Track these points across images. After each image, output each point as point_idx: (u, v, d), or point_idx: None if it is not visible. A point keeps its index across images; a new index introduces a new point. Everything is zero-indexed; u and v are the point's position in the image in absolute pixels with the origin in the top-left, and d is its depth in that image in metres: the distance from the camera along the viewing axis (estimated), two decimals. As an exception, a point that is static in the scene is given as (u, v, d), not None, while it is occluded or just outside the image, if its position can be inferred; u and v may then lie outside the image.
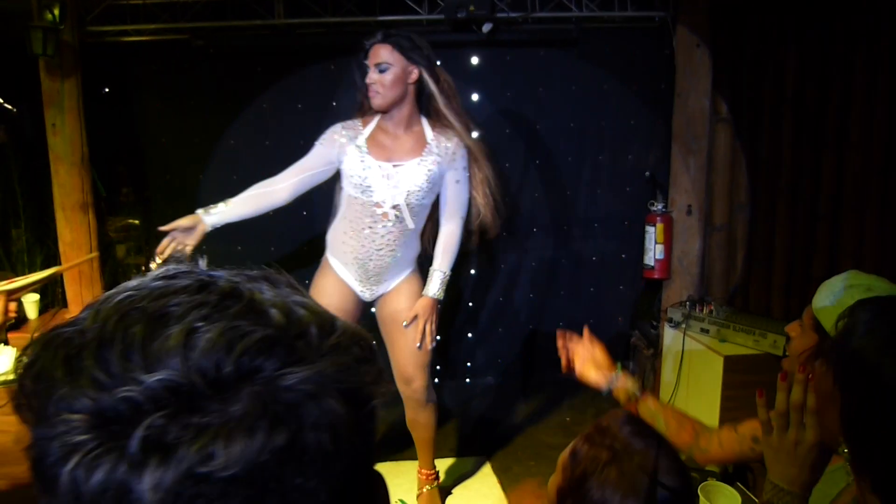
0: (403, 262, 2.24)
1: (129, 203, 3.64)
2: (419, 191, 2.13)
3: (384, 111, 2.13)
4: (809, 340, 1.16)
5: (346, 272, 2.23)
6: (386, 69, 2.07)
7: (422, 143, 2.15)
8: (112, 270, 3.32)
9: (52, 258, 3.46)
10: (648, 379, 3.26)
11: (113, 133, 3.14)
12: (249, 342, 0.36)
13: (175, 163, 3.15)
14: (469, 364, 3.54)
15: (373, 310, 2.36)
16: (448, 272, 2.22)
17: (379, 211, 2.12)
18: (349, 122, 2.19)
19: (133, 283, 0.41)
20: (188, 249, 2.02)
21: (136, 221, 3.65)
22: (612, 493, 0.89)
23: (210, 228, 2.05)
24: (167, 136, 3.12)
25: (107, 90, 3.17)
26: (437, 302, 2.22)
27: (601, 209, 3.35)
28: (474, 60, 3.22)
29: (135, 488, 0.33)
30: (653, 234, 3.22)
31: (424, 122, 2.18)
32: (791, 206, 2.97)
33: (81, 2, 2.93)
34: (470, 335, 3.50)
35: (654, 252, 3.22)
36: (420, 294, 2.23)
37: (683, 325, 3.00)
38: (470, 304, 3.46)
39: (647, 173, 3.27)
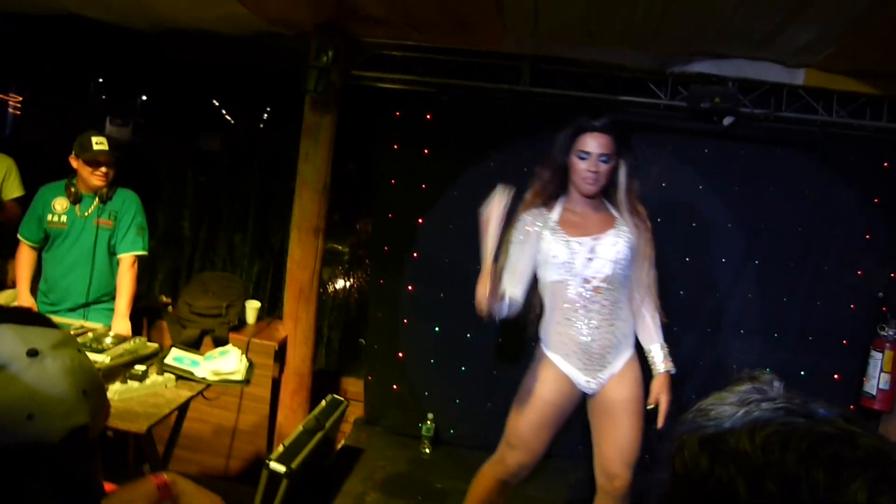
0: (623, 338, 2.20)
1: (337, 228, 3.90)
2: (623, 259, 2.14)
3: (589, 198, 2.18)
4: None
5: (568, 366, 2.18)
6: (608, 160, 2.13)
7: (611, 219, 2.20)
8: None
9: (267, 269, 3.76)
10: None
11: (346, 163, 3.39)
12: None
13: (399, 203, 3.32)
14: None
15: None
16: (665, 344, 2.23)
17: (589, 287, 2.13)
18: (534, 211, 2.22)
19: (754, 410, 0.51)
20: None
21: (345, 248, 3.90)
22: None
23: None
24: (398, 178, 3.31)
25: (353, 126, 3.44)
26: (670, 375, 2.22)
27: (819, 322, 3.13)
28: (708, 150, 3.17)
29: None
30: (879, 360, 2.96)
31: (607, 203, 2.23)
32: None
33: (350, 49, 3.22)
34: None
35: (877, 380, 2.96)
36: (639, 379, 2.20)
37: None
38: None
39: (881, 294, 3.03)
